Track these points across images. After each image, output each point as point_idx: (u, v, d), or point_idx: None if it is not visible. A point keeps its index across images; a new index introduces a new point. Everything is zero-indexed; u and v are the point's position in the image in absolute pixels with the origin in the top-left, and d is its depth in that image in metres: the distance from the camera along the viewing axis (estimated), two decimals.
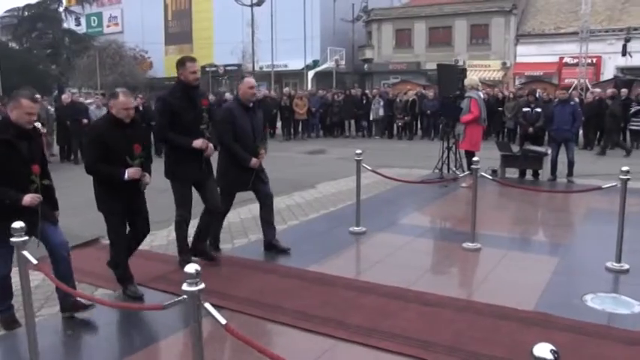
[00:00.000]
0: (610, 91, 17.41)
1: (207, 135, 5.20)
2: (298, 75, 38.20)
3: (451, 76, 10.51)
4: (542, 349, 1.75)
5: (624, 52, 22.27)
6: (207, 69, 40.03)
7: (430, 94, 19.32)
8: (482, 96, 10.67)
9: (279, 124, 20.64)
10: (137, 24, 46.14)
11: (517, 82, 29.95)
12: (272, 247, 5.92)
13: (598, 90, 18.57)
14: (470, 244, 6.07)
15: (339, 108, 20.56)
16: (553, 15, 33.83)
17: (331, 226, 5.31)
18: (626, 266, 5.36)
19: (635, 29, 23.65)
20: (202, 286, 2.54)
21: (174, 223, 5.40)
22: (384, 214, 7.61)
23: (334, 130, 20.87)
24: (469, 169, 7.77)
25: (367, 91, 22.68)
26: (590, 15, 24.02)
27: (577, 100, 14.35)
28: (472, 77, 12.05)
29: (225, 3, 36.60)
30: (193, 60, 5.24)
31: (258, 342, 2.58)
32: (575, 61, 26.15)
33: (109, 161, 4.45)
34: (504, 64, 33.97)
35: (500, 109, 17.71)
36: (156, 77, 42.02)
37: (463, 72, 11.07)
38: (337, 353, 3.83)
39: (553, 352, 1.74)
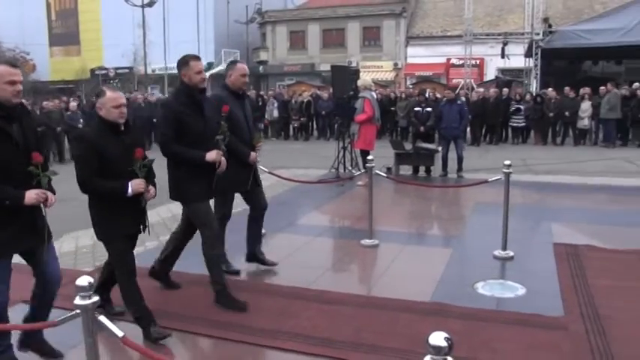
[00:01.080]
0: (493, 90, 18.54)
1: (222, 147, 4.48)
2: None
3: (345, 77, 10.72)
4: (437, 337, 1.81)
5: (503, 55, 23.76)
6: (97, 72, 38.32)
7: (325, 94, 19.62)
8: (375, 96, 10.97)
9: None
10: (15, 23, 43.15)
11: (408, 83, 31.14)
12: (255, 259, 5.44)
13: (482, 89, 19.69)
14: (368, 241, 6.20)
15: None
16: (440, 19, 35.49)
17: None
18: (511, 253, 5.71)
19: (511, 34, 25.30)
20: (96, 299, 2.43)
21: (205, 245, 4.44)
22: (282, 216, 7.61)
23: None
24: (364, 167, 7.95)
25: (262, 93, 22.65)
26: (472, 20, 25.41)
27: (464, 99, 15.12)
28: (365, 78, 12.36)
29: (114, 3, 35.23)
30: (198, 58, 4.47)
31: (157, 353, 2.49)
32: (461, 62, 27.58)
33: (104, 175, 3.67)
34: (396, 65, 35.17)
35: (392, 108, 18.32)
36: (40, 81, 39.60)
37: (356, 73, 11.34)
38: (244, 358, 3.77)
39: (447, 339, 1.80)
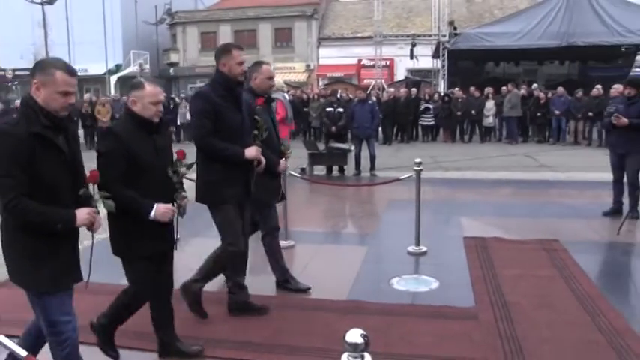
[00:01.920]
0: (403, 90, 19.07)
1: (258, 143, 4.11)
2: (100, 80, 35.93)
3: None
4: (354, 334, 1.83)
5: (412, 56, 24.50)
6: None
7: None
8: (287, 97, 10.99)
9: (81, 132, 19.25)
10: None
11: (321, 83, 31.41)
12: (287, 284, 4.91)
13: (392, 89, 20.21)
14: (283, 242, 6.17)
15: None
16: (351, 20, 36.07)
17: None
18: (424, 248, 5.89)
19: (419, 36, 26.14)
20: None
21: (220, 257, 4.13)
22: (196, 221, 7.45)
23: None
24: None
25: (174, 96, 22.13)
26: (382, 22, 26.05)
27: (375, 99, 15.45)
28: (277, 79, 12.33)
29: (10, 0, 33.21)
30: (240, 48, 4.02)
31: None
32: (372, 63, 28.19)
33: (130, 181, 3.17)
34: (308, 66, 35.39)
35: (305, 109, 18.44)
36: None
37: None
38: None
39: (363, 335, 1.82)
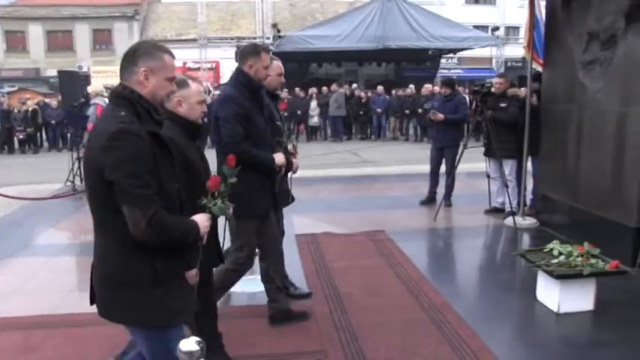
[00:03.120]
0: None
1: (282, 149, 4.00)
2: None
3: (74, 84, 10.08)
4: (188, 343, 1.81)
5: (237, 59, 24.60)
6: None
7: (54, 102, 18.20)
8: (107, 102, 10.47)
9: None
10: None
11: None
12: (287, 290, 4.62)
13: (219, 92, 20.08)
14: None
15: None
16: (174, 22, 35.16)
17: None
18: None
19: (244, 38, 26.27)
20: None
21: (230, 271, 3.89)
22: (12, 238, 6.83)
23: None
24: None
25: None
26: (206, 24, 25.77)
27: None
28: (96, 84, 11.69)
29: None
30: (268, 51, 3.81)
31: None
32: (198, 65, 27.76)
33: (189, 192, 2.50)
34: None
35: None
36: None
37: (87, 78, 10.69)
38: None
39: (198, 342, 1.81)
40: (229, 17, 34.92)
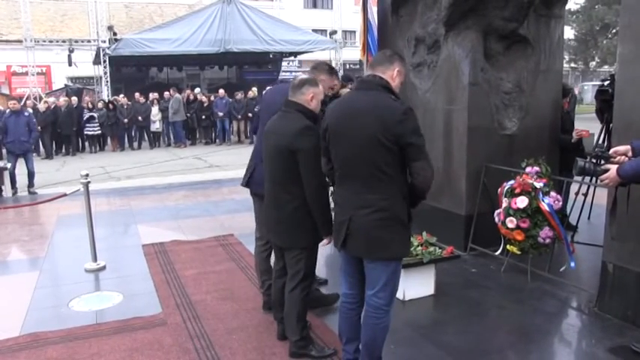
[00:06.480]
0: (63, 99, 17.82)
1: None
2: None
3: None
4: None
5: (70, 62, 22.93)
6: None
7: None
8: None
9: None
10: None
11: None
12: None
13: (52, 99, 18.68)
14: None
15: None
16: None
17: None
18: (103, 263, 5.65)
19: (77, 41, 24.65)
20: None
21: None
22: None
23: None
24: None
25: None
26: (32, 24, 23.74)
27: (31, 110, 14.07)
28: None
29: None
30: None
31: None
32: (25, 69, 25.51)
33: None
34: None
35: None
36: None
37: None
38: None
39: None
40: (59, 17, 32.56)
